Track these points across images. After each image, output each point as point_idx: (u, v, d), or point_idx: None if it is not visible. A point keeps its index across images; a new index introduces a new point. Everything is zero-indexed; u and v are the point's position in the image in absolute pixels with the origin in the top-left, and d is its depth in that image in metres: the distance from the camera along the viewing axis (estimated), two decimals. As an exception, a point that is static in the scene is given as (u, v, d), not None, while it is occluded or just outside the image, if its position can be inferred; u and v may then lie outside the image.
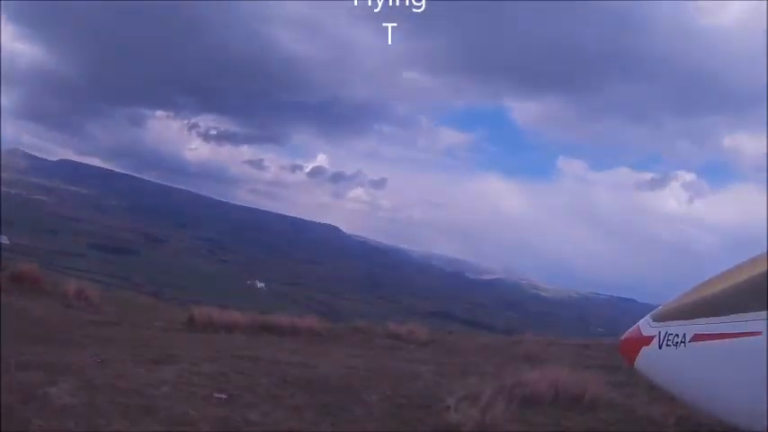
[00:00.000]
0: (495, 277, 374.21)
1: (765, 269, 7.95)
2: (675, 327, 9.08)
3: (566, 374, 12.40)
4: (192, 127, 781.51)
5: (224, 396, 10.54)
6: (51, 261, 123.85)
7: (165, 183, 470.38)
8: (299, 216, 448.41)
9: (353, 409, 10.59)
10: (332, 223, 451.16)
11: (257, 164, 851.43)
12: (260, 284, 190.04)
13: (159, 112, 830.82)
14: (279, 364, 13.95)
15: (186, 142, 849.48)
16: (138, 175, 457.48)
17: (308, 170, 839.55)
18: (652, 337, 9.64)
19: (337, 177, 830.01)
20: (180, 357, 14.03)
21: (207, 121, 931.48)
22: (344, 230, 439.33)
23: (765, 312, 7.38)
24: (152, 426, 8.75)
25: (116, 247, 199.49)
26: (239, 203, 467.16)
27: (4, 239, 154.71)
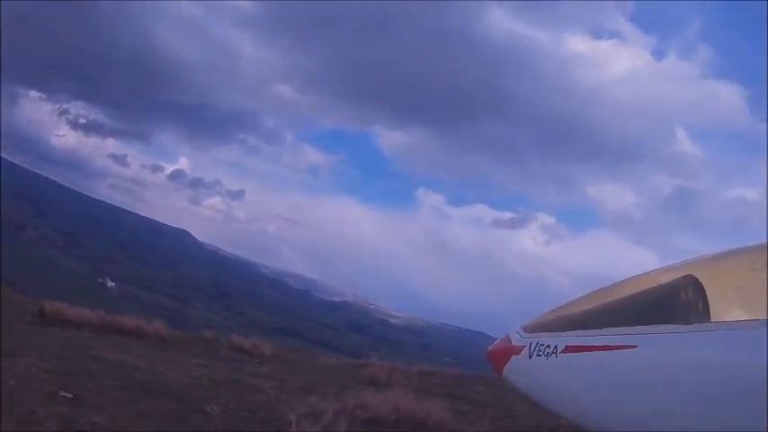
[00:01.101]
0: (344, 300, 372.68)
1: (638, 290, 8.53)
2: (547, 338, 9.42)
3: (409, 400, 12.62)
4: (63, 113, 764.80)
5: (70, 396, 10.36)
6: None
7: (29, 167, 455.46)
8: (154, 218, 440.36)
9: (195, 419, 10.62)
10: (185, 228, 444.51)
11: (121, 159, 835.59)
12: (110, 284, 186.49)
13: (33, 93, 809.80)
14: (124, 367, 13.91)
15: (55, 128, 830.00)
16: (2, 156, 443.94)
17: (168, 172, 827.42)
18: (522, 347, 9.98)
19: (196, 183, 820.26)
20: (28, 351, 13.82)
21: (78, 108, 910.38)
22: (197, 237, 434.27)
23: (644, 327, 7.77)
24: (-3, 422, 8.43)
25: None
26: (99, 198, 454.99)
27: None
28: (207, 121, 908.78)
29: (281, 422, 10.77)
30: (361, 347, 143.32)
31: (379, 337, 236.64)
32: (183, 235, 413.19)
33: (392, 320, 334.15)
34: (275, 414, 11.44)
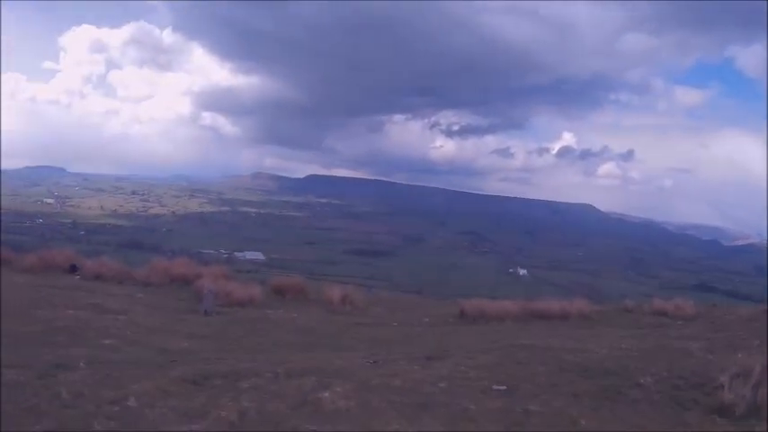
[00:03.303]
0: (749, 242, 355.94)
1: None
2: None
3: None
4: (434, 125, 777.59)
5: (503, 387, 10.49)
6: (311, 271, 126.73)
7: (415, 183, 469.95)
8: (553, 199, 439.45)
9: (630, 393, 10.49)
10: (587, 202, 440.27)
11: (504, 152, 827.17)
12: (522, 272, 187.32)
13: (397, 116, 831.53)
14: (553, 351, 13.98)
15: (429, 141, 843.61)
16: (387, 179, 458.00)
17: (555, 151, 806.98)
18: None
19: (585, 154, 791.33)
20: (454, 352, 14.24)
21: (447, 117, 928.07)
22: (600, 208, 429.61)
23: None
24: (431, 423, 8.72)
25: (375, 251, 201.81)
26: (493, 194, 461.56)
27: (259, 255, 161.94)
28: (574, 92, 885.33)
29: (713, 385, 10.49)
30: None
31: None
32: (587, 209, 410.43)
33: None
34: (706, 377, 11.11)
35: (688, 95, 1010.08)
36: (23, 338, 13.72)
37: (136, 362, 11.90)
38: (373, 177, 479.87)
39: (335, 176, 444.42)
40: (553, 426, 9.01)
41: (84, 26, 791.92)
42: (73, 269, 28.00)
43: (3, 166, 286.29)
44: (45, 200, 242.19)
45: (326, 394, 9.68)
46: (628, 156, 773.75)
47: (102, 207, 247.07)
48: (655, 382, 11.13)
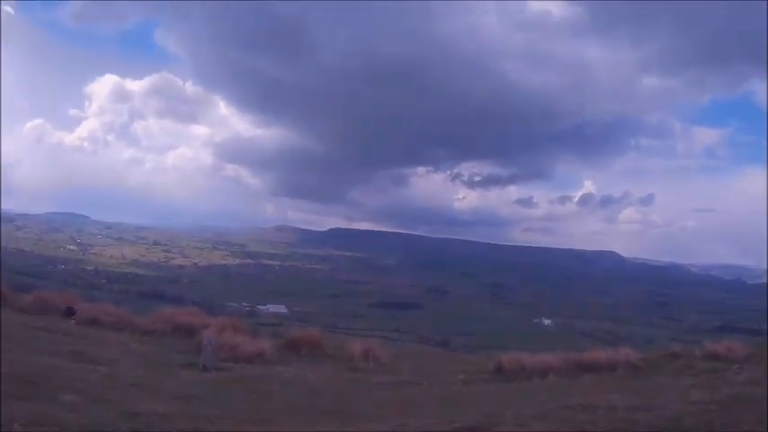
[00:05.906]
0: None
1: None
2: None
3: None
4: (456, 177, 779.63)
5: None
6: (335, 324, 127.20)
7: (439, 235, 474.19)
8: (576, 247, 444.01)
9: None
10: (610, 249, 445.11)
11: (526, 202, 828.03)
12: (546, 321, 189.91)
13: (420, 169, 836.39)
14: (618, 411, 12.28)
15: (452, 193, 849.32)
16: (411, 233, 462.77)
17: (576, 199, 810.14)
18: None
19: (606, 201, 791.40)
20: (503, 418, 12.36)
21: (469, 168, 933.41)
22: (623, 254, 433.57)
23: None
24: None
25: (398, 303, 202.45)
26: (516, 244, 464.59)
27: (282, 309, 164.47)
28: (592, 138, 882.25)
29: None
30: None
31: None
32: (609, 256, 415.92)
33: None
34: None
35: (706, 135, 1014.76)
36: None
37: (89, 428, 9.88)
38: (397, 230, 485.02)
39: (358, 230, 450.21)
40: None
41: (108, 75, 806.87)
42: (69, 312, 27.21)
43: (28, 211, 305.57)
44: (68, 246, 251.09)
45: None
46: (648, 200, 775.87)
47: (123, 256, 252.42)
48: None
